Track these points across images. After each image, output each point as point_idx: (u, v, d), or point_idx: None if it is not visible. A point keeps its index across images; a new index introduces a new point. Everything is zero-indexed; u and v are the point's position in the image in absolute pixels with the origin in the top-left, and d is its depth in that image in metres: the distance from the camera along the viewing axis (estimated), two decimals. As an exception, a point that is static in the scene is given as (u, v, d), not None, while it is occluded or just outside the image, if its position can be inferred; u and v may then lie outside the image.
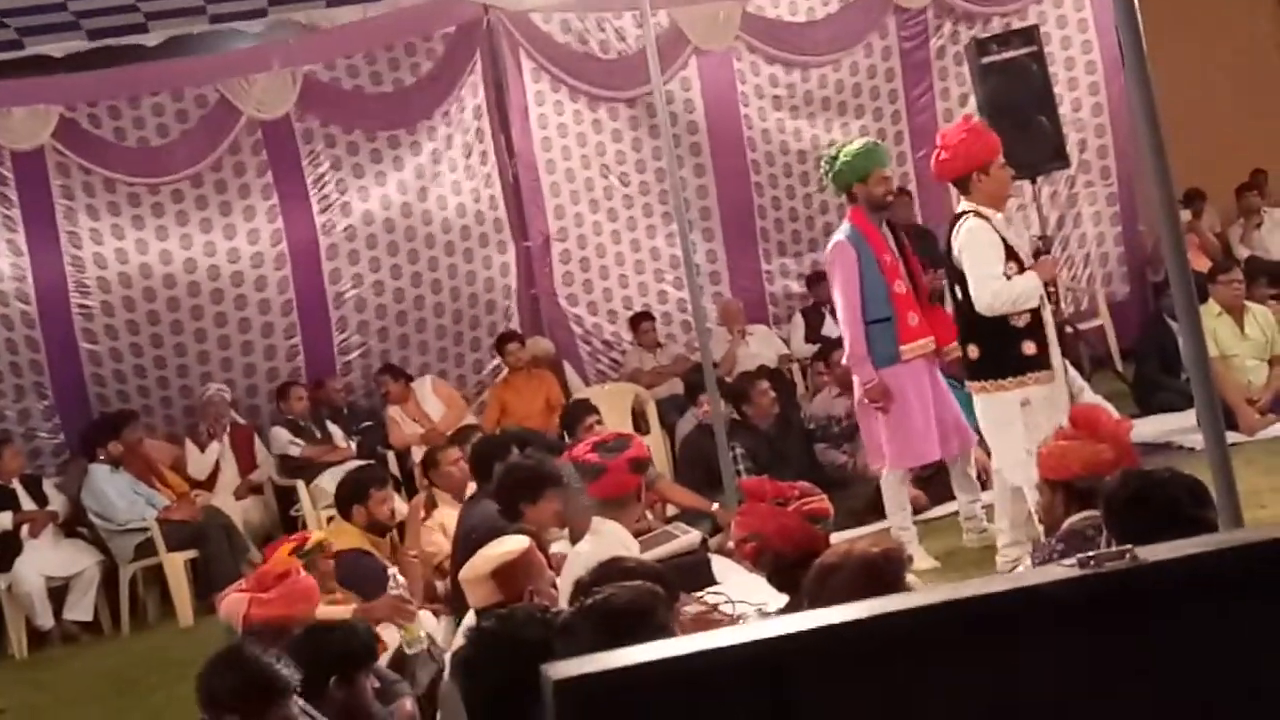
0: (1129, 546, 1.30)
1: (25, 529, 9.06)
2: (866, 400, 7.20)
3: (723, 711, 1.24)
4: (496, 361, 10.64)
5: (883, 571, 3.51)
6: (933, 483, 7.86)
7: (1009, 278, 6.43)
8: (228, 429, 10.01)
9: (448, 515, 7.24)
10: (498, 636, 3.48)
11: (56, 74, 9.95)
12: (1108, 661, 1.27)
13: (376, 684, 4.62)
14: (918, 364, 7.13)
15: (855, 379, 7.32)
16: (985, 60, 9.42)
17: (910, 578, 3.89)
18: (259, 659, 3.90)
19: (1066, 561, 1.32)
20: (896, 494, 7.31)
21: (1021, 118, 9.07)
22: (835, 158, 7.26)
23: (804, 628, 1.28)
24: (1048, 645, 1.27)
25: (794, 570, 4.15)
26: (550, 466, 6.20)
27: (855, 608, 1.33)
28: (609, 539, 5.58)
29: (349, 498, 6.86)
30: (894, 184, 7.72)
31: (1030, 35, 9.67)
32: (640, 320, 10.84)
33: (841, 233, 7.27)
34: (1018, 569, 5.59)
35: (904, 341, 7.11)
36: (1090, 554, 1.29)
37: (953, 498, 7.59)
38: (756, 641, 1.25)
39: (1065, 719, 1.30)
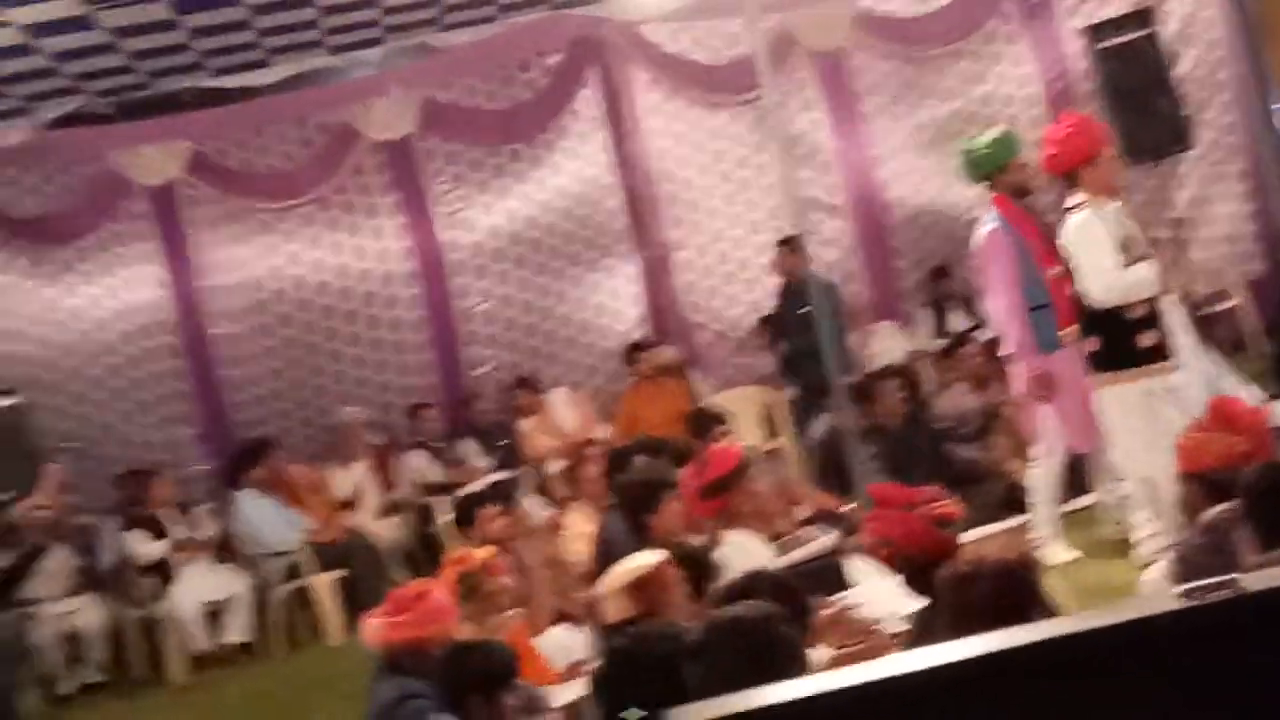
0: (1233, 576, 1.32)
1: (179, 556, 9.33)
2: (1030, 390, 7.03)
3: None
4: (626, 371, 10.70)
5: (1020, 580, 3.51)
6: (1069, 475, 7.74)
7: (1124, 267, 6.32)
8: (365, 450, 10.21)
9: (591, 524, 7.33)
10: (631, 655, 3.56)
11: (183, 111, 10.21)
12: (1209, 692, 1.29)
13: (517, 701, 4.69)
14: (1074, 349, 6.86)
15: (1018, 368, 7.10)
16: (1101, 45, 9.31)
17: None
18: None
19: (1174, 590, 1.34)
20: (1049, 486, 7.17)
21: (1140, 101, 8.95)
22: (970, 150, 7.19)
23: (919, 667, 1.31)
24: (1152, 677, 1.29)
25: (927, 572, 4.15)
26: (660, 472, 6.24)
27: (971, 644, 1.37)
28: (737, 548, 5.67)
29: (459, 523, 7.04)
30: (1030, 170, 7.52)
31: (1145, 17, 9.54)
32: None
33: (991, 221, 7.05)
34: (1157, 561, 5.53)
35: (1063, 326, 6.85)
36: (1195, 584, 1.31)
37: (1088, 491, 7.48)
38: (871, 683, 1.29)
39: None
